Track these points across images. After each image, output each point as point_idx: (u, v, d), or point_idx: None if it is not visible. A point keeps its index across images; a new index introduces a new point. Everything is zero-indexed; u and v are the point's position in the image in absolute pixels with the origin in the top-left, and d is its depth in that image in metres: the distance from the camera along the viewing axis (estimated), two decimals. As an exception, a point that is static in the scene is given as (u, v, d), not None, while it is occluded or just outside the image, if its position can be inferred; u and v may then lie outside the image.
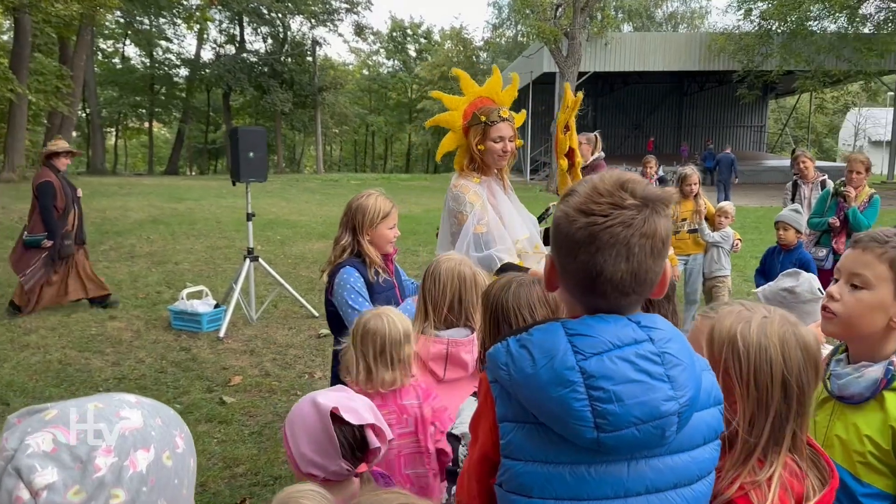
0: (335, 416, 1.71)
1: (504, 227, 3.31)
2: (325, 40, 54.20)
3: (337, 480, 1.76)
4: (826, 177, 7.39)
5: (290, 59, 39.69)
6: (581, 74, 24.52)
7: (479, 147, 3.33)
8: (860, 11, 25.83)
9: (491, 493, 1.28)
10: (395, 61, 58.92)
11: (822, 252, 6.17)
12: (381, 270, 3.04)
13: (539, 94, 30.27)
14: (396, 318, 2.28)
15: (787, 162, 33.03)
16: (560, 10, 25.01)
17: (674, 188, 6.43)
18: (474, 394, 2.14)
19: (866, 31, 25.87)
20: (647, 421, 1.12)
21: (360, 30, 42.00)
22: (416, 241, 13.33)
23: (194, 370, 5.61)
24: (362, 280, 2.98)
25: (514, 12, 37.58)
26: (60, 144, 7.48)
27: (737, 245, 6.48)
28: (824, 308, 1.81)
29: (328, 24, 40.31)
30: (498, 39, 55.66)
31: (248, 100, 42.64)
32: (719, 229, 6.42)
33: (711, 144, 28.51)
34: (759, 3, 27.61)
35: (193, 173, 46.13)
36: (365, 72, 58.82)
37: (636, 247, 1.13)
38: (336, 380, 3.25)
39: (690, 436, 1.22)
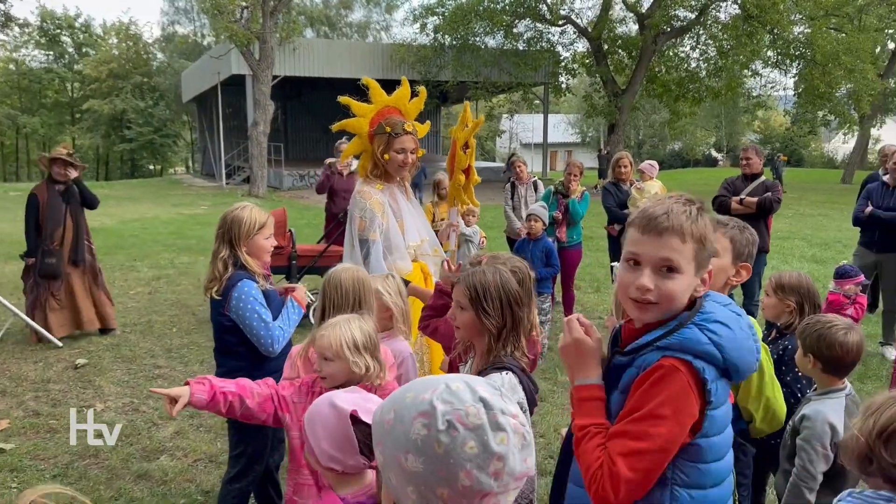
0: (353, 417, 1.88)
1: (401, 234, 3.55)
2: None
3: (355, 472, 1.95)
4: (537, 178, 8.70)
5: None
6: (273, 78, 24.55)
7: (382, 156, 3.53)
8: (514, 30, 29.67)
9: None
10: (50, 56, 52.19)
11: (549, 240, 7.31)
12: (262, 279, 3.06)
13: (228, 95, 29.45)
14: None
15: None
16: (246, 11, 24.67)
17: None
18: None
19: (521, 47, 29.79)
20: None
21: (7, 19, 36.45)
22: (128, 255, 12.23)
23: (-61, 421, 4.78)
24: (260, 292, 2.99)
25: (202, 12, 35.70)
26: (56, 150, 6.48)
27: (482, 241, 7.35)
28: None
29: (-35, 10, 34.42)
30: (172, 39, 52.28)
31: None
32: (469, 227, 7.22)
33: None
34: (433, 18, 30.14)
35: None
36: (11, 67, 51.12)
37: None
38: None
39: None
